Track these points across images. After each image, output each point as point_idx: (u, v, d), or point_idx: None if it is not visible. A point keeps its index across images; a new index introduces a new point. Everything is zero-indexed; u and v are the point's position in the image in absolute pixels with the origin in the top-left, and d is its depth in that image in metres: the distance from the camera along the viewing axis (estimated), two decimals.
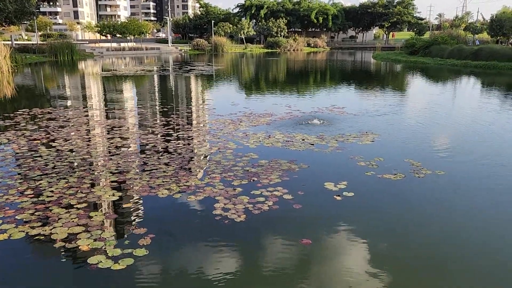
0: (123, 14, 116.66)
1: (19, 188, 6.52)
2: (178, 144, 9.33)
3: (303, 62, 44.40)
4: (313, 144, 9.28)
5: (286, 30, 77.25)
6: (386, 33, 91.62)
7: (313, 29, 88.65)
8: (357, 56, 56.71)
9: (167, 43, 70.13)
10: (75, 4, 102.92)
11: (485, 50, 34.58)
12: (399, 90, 21.14)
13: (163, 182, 6.83)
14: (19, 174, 7.26)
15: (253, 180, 6.96)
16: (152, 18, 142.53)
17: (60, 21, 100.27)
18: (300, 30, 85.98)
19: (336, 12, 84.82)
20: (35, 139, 9.64)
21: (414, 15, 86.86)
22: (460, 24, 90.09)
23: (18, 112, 13.07)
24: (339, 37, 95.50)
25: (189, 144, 9.43)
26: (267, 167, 7.62)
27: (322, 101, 16.31)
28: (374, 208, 6.01)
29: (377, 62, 43.84)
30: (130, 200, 6.17)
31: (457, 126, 11.88)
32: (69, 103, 16.03)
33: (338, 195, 6.31)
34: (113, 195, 6.30)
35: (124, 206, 5.97)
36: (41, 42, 52.40)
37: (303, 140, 9.65)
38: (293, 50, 69.77)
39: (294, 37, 74.68)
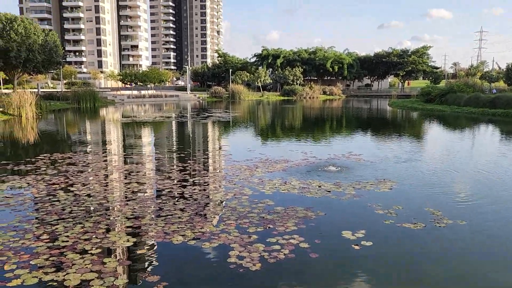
0: (145, 63, 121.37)
1: (35, 233, 6.54)
2: (194, 189, 9.34)
3: (319, 109, 44.87)
4: (329, 191, 9.16)
5: (302, 78, 78.81)
6: (402, 81, 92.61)
7: (328, 78, 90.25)
8: (373, 104, 57.10)
9: (186, 90, 72.11)
10: (99, 55, 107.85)
11: (502, 98, 34.44)
12: (416, 137, 21.02)
13: (178, 228, 6.77)
14: (36, 218, 7.32)
15: (269, 227, 6.84)
16: (172, 67, 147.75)
17: (85, 70, 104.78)
18: (316, 78, 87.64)
19: (351, 61, 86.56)
20: (54, 184, 9.78)
21: (429, 64, 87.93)
22: (476, 73, 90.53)
23: (39, 157, 13.39)
24: (355, 85, 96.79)
25: (205, 189, 9.42)
26: (283, 214, 7.51)
27: (338, 148, 16.29)
28: (394, 258, 5.80)
29: (393, 109, 44.00)
30: (145, 246, 6.10)
31: (478, 174, 11.62)
32: (89, 148, 16.38)
33: (356, 244, 6.13)
34: (128, 240, 6.26)
35: (138, 252, 5.91)
36: (66, 90, 54.53)
37: (319, 187, 9.55)
38: (309, 97, 70.78)
39: (310, 85, 76.04)
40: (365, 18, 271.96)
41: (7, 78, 55.58)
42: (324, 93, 77.47)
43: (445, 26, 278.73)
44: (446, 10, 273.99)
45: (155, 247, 6.10)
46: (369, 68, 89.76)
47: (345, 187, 9.48)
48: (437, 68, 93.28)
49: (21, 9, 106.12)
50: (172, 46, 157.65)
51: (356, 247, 6.03)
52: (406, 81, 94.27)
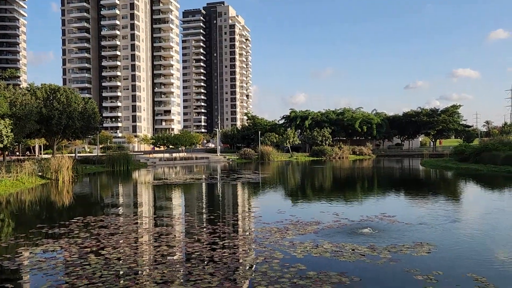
0: (177, 127, 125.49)
1: None
2: (224, 253, 9.18)
3: (349, 169, 44.38)
4: (364, 255, 8.79)
5: (331, 139, 78.92)
6: (433, 140, 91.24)
7: (357, 138, 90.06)
8: (405, 163, 56.06)
9: (216, 152, 73.39)
10: (134, 120, 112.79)
11: None
12: (453, 197, 20.22)
13: None
14: (67, 283, 7.32)
15: None
16: (203, 130, 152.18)
17: (120, 134, 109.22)
18: (344, 138, 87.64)
19: (380, 121, 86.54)
20: (85, 247, 9.86)
21: (460, 123, 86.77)
22: (511, 131, 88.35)
23: (73, 220, 13.64)
24: (385, 144, 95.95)
25: (234, 253, 9.24)
26: (315, 280, 7.21)
27: (371, 209, 15.83)
28: None
29: (426, 169, 42.97)
30: None
31: None
32: (120, 210, 16.60)
33: None
34: None
35: None
36: (101, 154, 56.53)
37: (353, 250, 9.20)
38: (339, 157, 70.41)
39: (339, 145, 76.00)
40: (390, 79, 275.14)
41: (47, 143, 58.48)
42: (354, 153, 76.97)
43: (473, 84, 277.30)
44: (472, 69, 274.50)
45: None
46: (399, 128, 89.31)
47: (380, 251, 9.09)
48: (469, 126, 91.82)
49: (64, 80, 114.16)
50: (203, 110, 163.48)
51: None
52: (438, 140, 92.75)
